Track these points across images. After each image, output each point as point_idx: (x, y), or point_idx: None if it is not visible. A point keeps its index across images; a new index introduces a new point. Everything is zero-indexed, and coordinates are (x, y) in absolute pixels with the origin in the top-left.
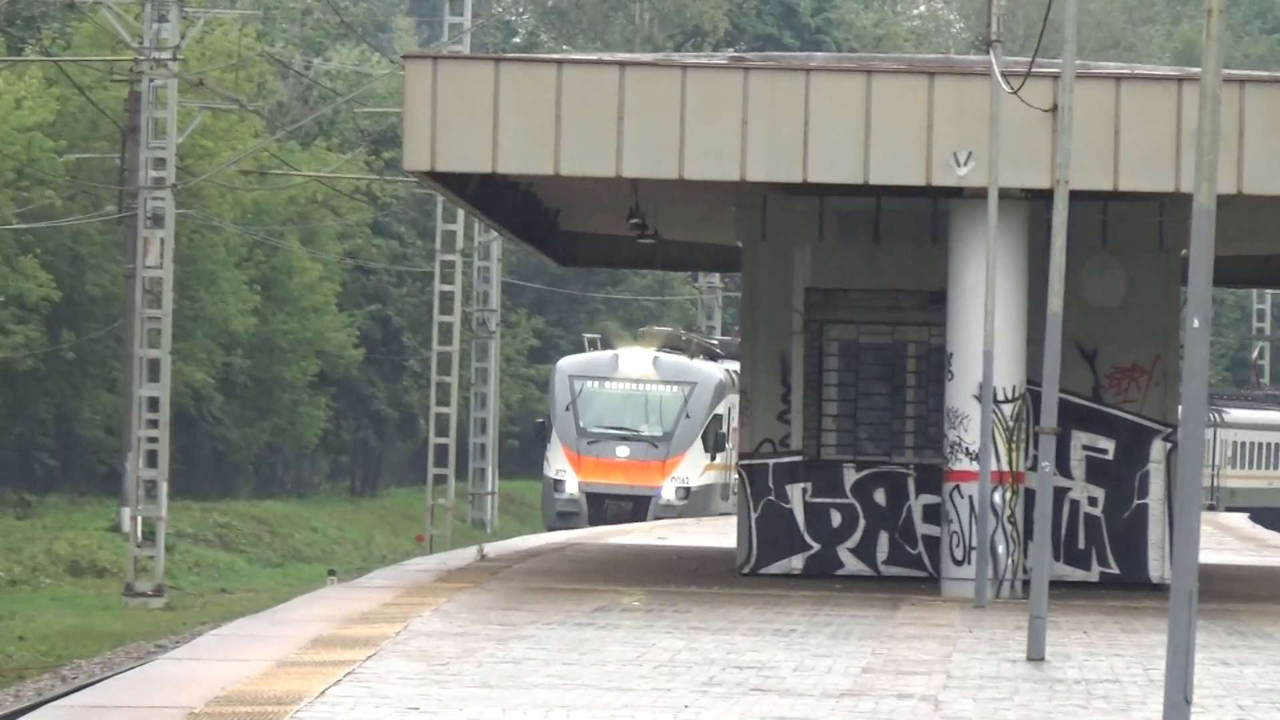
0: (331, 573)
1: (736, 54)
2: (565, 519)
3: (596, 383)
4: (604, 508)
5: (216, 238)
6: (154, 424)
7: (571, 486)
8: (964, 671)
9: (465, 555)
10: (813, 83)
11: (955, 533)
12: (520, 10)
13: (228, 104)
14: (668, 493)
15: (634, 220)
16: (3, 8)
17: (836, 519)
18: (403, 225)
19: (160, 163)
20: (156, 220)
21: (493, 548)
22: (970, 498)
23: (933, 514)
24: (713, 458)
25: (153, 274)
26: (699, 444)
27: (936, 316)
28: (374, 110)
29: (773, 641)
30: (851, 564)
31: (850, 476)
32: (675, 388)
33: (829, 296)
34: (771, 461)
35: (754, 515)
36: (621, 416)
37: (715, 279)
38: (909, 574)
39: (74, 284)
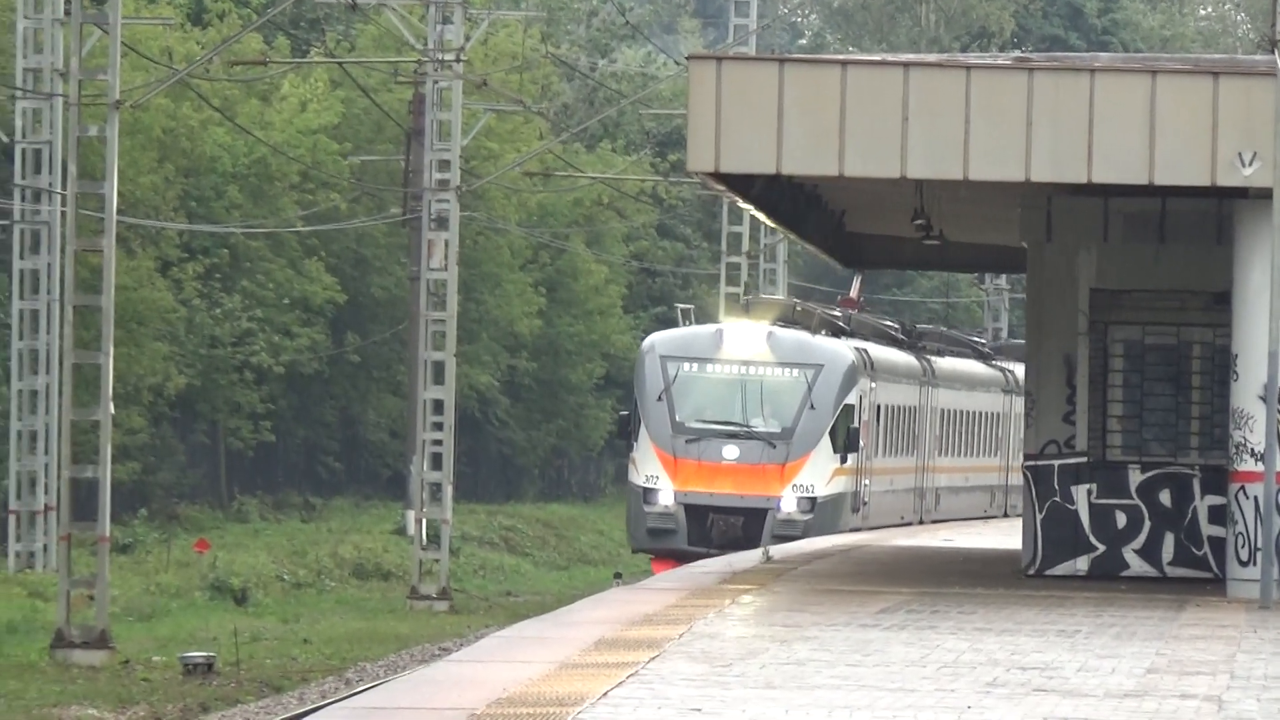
0: (617, 576)
1: (1021, 55)
2: (657, 537)
3: (696, 365)
4: (707, 524)
5: (501, 240)
6: (439, 427)
7: (665, 497)
8: (1248, 672)
9: (750, 558)
10: (1097, 83)
11: (1240, 534)
12: (806, 12)
13: (512, 106)
14: (788, 505)
15: (919, 221)
16: (288, 10)
17: (1121, 520)
18: (688, 227)
19: (445, 165)
20: (441, 222)
21: (778, 550)
22: (1255, 498)
23: (1219, 515)
24: (843, 460)
25: (437, 276)
26: (826, 443)
27: (1222, 317)
28: (659, 112)
29: (1057, 642)
30: (1136, 565)
31: (1135, 477)
32: (796, 371)
33: (1114, 297)
34: (1056, 463)
35: (1039, 517)
36: (729, 408)
37: (1002, 280)
38: (1194, 575)
39: (358, 287)
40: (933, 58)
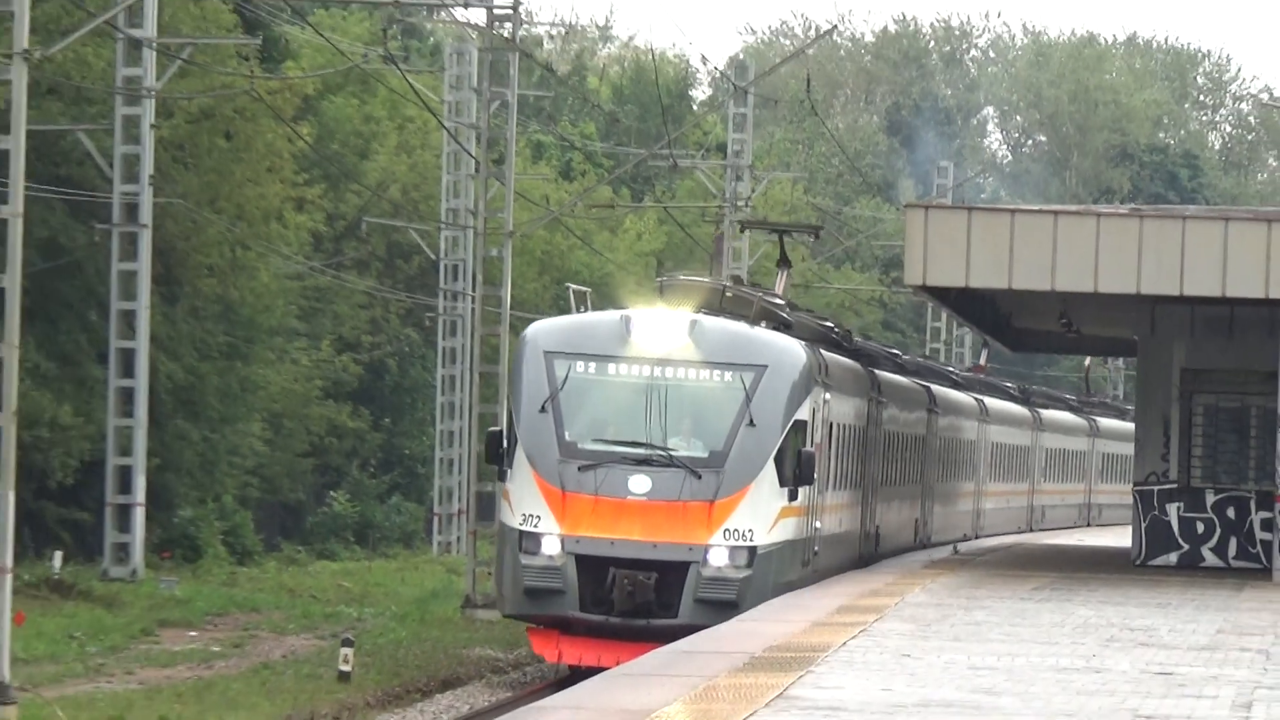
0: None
1: (1135, 206)
2: (537, 599)
3: (593, 365)
4: (607, 582)
5: None
6: None
7: (549, 545)
8: None
9: (944, 551)
10: (1188, 226)
11: None
12: (987, 176)
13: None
14: (718, 557)
15: (1063, 320)
16: (628, 170)
17: (1200, 527)
18: (904, 323)
19: (738, 280)
20: None
21: (964, 546)
22: None
23: (1268, 524)
24: (792, 495)
25: None
26: (770, 471)
27: (1272, 388)
28: (885, 243)
29: (1155, 612)
30: (1210, 559)
31: (1210, 498)
32: (730, 375)
33: (1197, 375)
34: (1156, 488)
35: (1143, 525)
36: (637, 423)
37: (1120, 361)
38: (1251, 566)
39: None
40: (1073, 208)
